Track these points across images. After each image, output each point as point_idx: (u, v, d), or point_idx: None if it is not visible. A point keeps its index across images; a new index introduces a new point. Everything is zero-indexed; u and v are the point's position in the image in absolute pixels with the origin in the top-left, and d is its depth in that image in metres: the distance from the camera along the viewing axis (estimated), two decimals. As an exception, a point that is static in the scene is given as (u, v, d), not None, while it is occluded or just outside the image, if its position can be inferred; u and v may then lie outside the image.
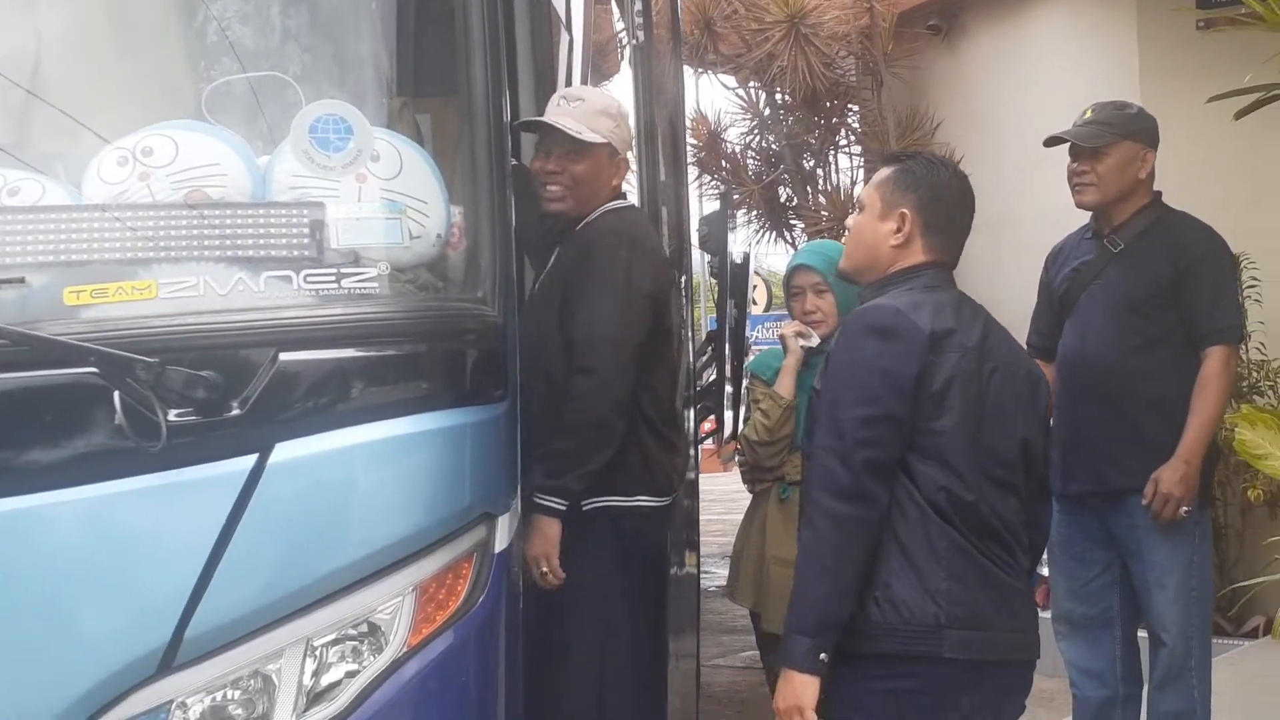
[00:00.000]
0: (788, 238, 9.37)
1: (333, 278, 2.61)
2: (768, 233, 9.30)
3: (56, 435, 2.48)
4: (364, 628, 2.59)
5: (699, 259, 7.41)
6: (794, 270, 4.28)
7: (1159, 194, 4.29)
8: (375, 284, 2.63)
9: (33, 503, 2.44)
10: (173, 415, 2.48)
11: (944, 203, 3.07)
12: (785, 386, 4.20)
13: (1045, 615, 7.08)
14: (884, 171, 3.11)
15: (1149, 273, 4.15)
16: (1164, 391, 4.12)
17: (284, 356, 2.54)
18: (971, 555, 2.86)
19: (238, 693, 2.53)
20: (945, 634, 2.82)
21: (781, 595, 4.11)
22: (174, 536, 2.50)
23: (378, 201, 2.66)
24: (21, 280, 2.53)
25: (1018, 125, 7.90)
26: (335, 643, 2.58)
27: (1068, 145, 4.27)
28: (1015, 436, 2.96)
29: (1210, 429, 4.09)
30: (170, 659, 2.48)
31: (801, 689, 2.77)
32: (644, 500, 3.56)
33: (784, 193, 9.31)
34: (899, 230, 3.02)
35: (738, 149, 9.42)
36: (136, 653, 2.46)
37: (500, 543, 2.75)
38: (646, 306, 3.51)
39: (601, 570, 3.51)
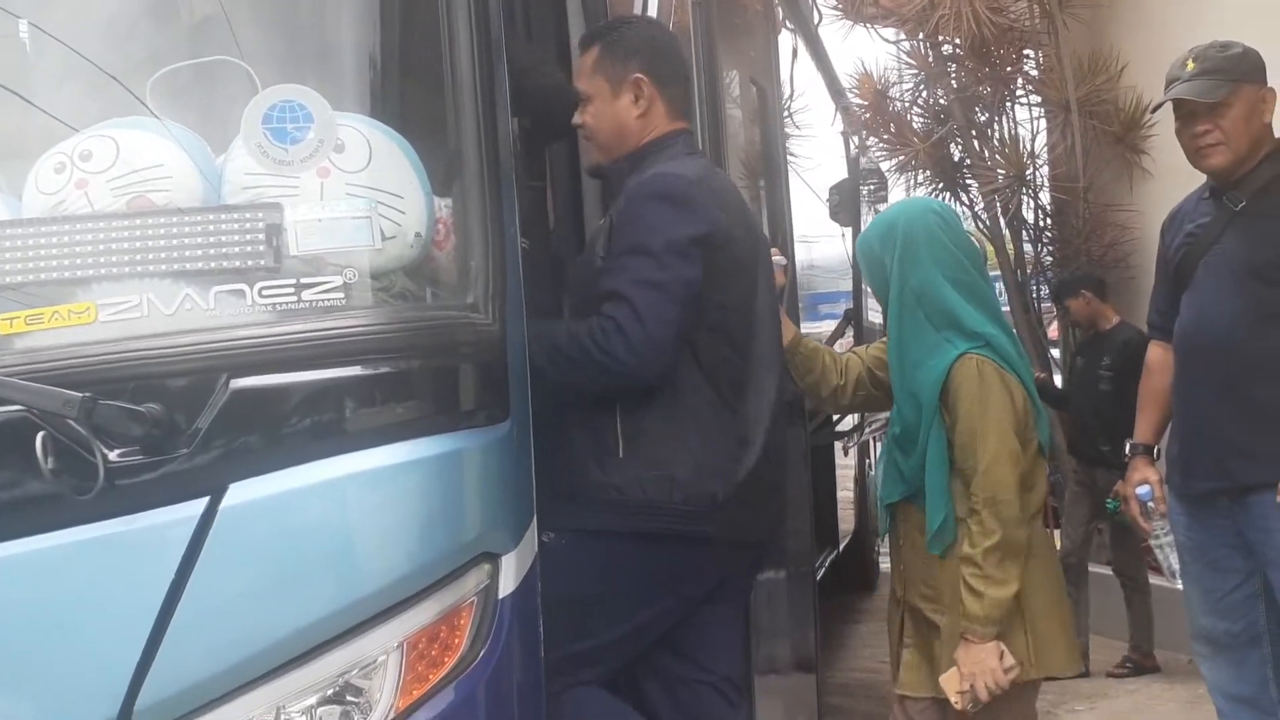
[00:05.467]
0: (963, 199, 8.74)
1: (291, 290, 2.26)
2: (940, 194, 8.67)
3: (-19, 484, 2.20)
4: (344, 691, 2.25)
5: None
6: None
7: None
8: (341, 294, 2.27)
9: (-45, 562, 2.16)
10: (114, 456, 2.17)
11: (666, 54, 3.10)
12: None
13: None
14: (590, 55, 3.07)
15: (1277, 232, 3.57)
16: None
17: (236, 383, 2.21)
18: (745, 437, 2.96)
19: (201, 770, 2.22)
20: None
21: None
22: (117, 595, 2.19)
23: (343, 199, 2.30)
24: (-52, 308, 2.25)
25: (1210, 62, 7.17)
26: (310, 709, 2.25)
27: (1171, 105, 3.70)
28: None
29: None
30: (121, 735, 2.17)
31: None
32: None
33: (956, 151, 8.68)
34: (638, 99, 3.03)
35: (903, 106, 8.82)
36: (81, 729, 2.17)
37: (506, 586, 2.37)
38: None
39: None
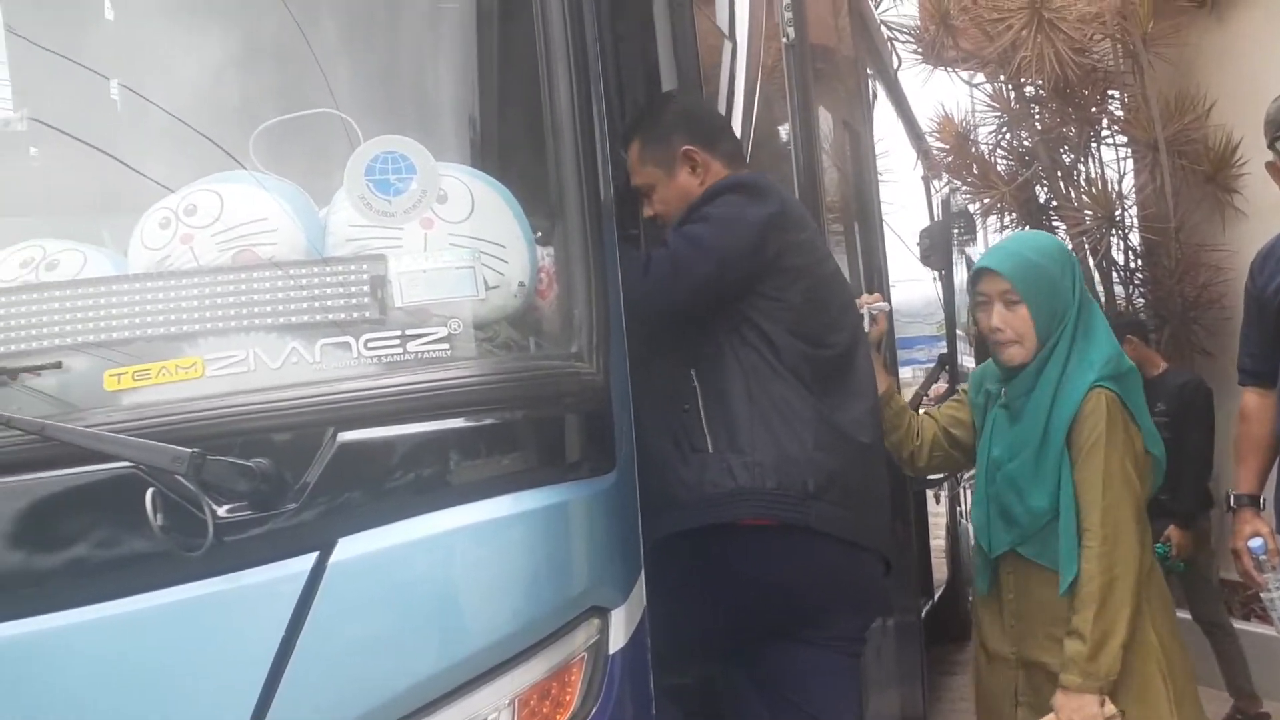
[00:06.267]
0: (1051, 242, 8.62)
1: (397, 342, 2.24)
2: (1027, 238, 8.56)
3: (94, 541, 2.19)
4: (456, 750, 2.21)
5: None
6: (978, 274, 3.44)
7: None
8: (445, 345, 2.24)
9: (68, 620, 2.14)
10: (223, 512, 2.15)
11: (701, 117, 3.14)
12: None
13: None
14: (634, 150, 3.06)
15: None
16: None
17: (344, 437, 2.19)
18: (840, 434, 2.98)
19: (312, 831, 2.18)
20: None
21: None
22: (228, 654, 2.16)
23: (446, 250, 2.28)
24: (58, 365, 2.25)
25: (1304, 99, 7.04)
26: (422, 768, 2.20)
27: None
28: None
29: None
30: (232, 796, 2.14)
31: None
32: None
33: (1042, 193, 8.58)
34: (694, 168, 3.07)
35: (986, 149, 8.74)
36: (192, 789, 2.14)
37: (616, 641, 2.32)
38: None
39: None
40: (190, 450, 2.10)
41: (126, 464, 2.15)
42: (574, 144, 2.37)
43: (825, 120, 3.85)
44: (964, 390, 3.65)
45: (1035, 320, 3.29)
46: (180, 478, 2.12)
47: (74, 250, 2.37)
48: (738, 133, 3.30)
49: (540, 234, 2.38)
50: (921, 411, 3.75)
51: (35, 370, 2.22)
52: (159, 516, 2.12)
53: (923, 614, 6.56)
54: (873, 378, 3.26)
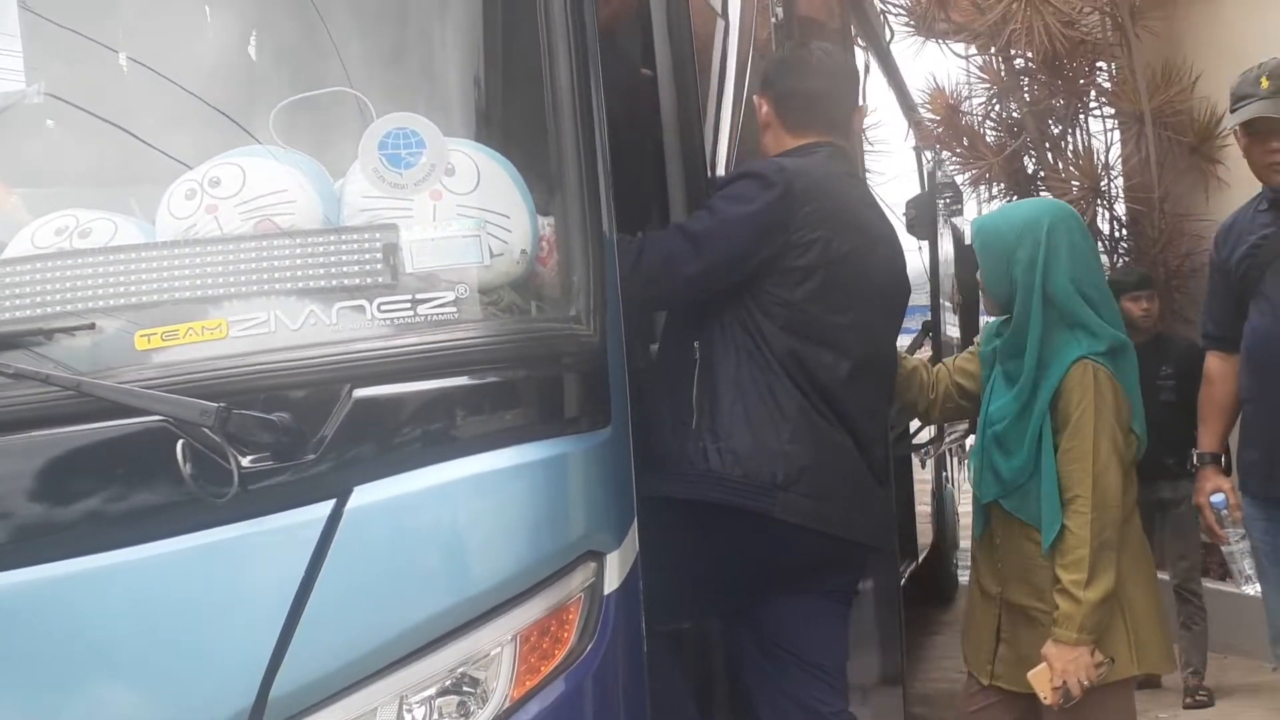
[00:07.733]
0: (1039, 212, 8.79)
1: (407, 305, 2.41)
2: (1014, 207, 8.74)
3: (126, 489, 2.36)
4: (461, 682, 2.39)
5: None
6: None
7: None
8: (452, 309, 2.41)
9: (104, 562, 2.32)
10: (247, 462, 2.33)
11: (785, 73, 3.34)
12: None
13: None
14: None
15: None
16: None
17: (359, 393, 2.36)
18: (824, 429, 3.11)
19: (331, 756, 2.36)
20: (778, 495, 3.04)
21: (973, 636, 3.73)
22: (252, 592, 2.34)
23: (454, 219, 2.45)
24: (92, 326, 2.41)
25: (1286, 71, 7.18)
26: (431, 699, 2.38)
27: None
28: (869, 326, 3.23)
29: None
30: (257, 721, 2.32)
31: None
32: None
33: (1030, 163, 8.75)
34: (764, 122, 3.34)
35: (976, 120, 8.90)
36: (221, 716, 2.31)
37: (610, 583, 2.50)
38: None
39: None
40: (217, 405, 2.27)
41: (157, 418, 2.31)
42: (573, 120, 2.53)
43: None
44: (978, 341, 3.81)
45: (985, 282, 3.48)
46: (208, 430, 2.29)
47: (105, 219, 2.53)
48: (726, 114, 3.44)
49: (541, 205, 2.54)
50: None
51: (71, 331, 2.39)
52: (188, 466, 2.29)
53: (906, 576, 6.73)
54: (890, 374, 3.45)
